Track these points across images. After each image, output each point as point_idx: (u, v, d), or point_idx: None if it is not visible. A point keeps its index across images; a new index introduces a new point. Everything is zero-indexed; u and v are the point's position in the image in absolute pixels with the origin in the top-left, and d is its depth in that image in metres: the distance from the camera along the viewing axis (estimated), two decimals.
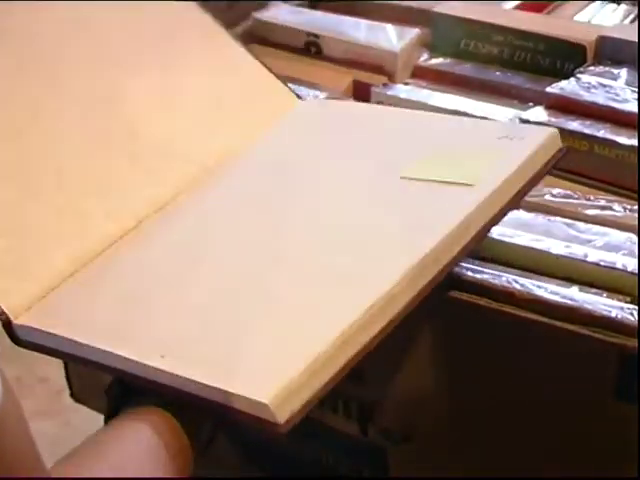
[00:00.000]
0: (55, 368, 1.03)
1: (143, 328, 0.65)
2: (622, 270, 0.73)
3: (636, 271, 0.72)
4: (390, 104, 0.92)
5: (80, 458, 0.60)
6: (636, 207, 0.79)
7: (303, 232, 0.70)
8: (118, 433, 0.62)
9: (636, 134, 0.82)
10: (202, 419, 0.64)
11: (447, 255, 0.65)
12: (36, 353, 0.68)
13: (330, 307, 0.62)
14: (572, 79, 0.89)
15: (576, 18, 1.00)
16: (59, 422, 1.64)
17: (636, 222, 0.77)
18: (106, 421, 0.66)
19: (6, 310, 0.68)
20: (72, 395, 0.95)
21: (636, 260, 0.73)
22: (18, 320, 0.68)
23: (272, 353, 0.59)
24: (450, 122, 0.82)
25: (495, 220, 0.70)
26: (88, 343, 0.65)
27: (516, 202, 0.71)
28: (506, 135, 0.74)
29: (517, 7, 1.01)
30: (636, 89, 0.86)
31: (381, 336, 0.61)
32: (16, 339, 0.68)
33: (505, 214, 0.70)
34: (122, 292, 0.69)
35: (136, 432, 0.61)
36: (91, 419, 0.93)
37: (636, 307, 0.70)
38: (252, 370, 0.58)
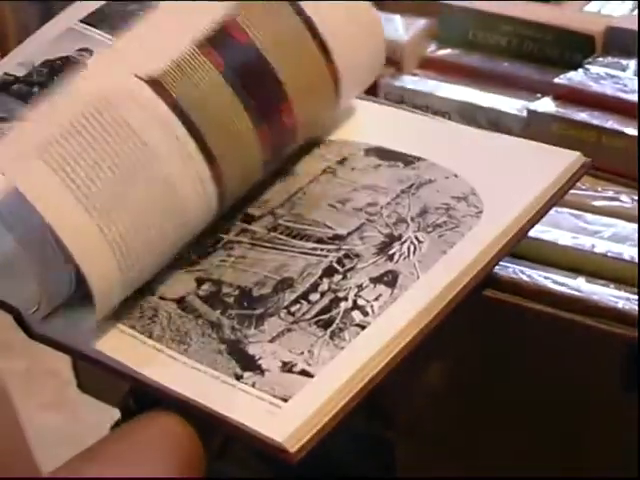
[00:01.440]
0: (64, 361, 1.03)
1: None
2: (629, 261, 0.72)
3: None
4: (397, 95, 0.92)
5: (92, 456, 0.60)
6: None
7: None
8: (131, 433, 0.62)
9: None
10: (214, 426, 0.64)
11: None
12: (45, 346, 0.67)
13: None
14: (580, 70, 0.88)
15: (585, 8, 0.99)
16: (66, 414, 1.64)
17: None
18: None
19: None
20: (79, 386, 0.95)
21: None
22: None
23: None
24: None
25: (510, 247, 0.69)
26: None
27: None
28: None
29: None
30: None
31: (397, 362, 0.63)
32: (30, 332, 0.68)
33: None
34: None
35: (149, 434, 0.62)
36: (98, 411, 0.93)
37: None
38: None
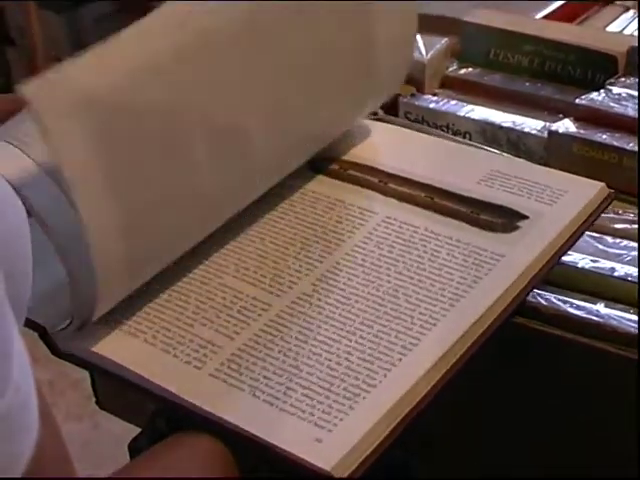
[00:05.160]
0: (86, 374, 1.04)
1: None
2: None
3: None
4: (418, 114, 0.92)
5: (131, 472, 0.60)
6: None
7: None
8: (168, 454, 0.62)
9: None
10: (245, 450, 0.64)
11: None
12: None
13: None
14: (602, 90, 0.88)
15: (608, 29, 0.99)
16: (89, 425, 1.65)
17: None
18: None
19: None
20: (97, 402, 0.95)
21: None
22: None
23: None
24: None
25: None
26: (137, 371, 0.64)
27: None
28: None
29: (548, 17, 1.00)
30: None
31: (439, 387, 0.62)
32: (55, 350, 0.67)
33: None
34: None
35: (187, 455, 0.62)
36: (119, 423, 0.93)
37: None
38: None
